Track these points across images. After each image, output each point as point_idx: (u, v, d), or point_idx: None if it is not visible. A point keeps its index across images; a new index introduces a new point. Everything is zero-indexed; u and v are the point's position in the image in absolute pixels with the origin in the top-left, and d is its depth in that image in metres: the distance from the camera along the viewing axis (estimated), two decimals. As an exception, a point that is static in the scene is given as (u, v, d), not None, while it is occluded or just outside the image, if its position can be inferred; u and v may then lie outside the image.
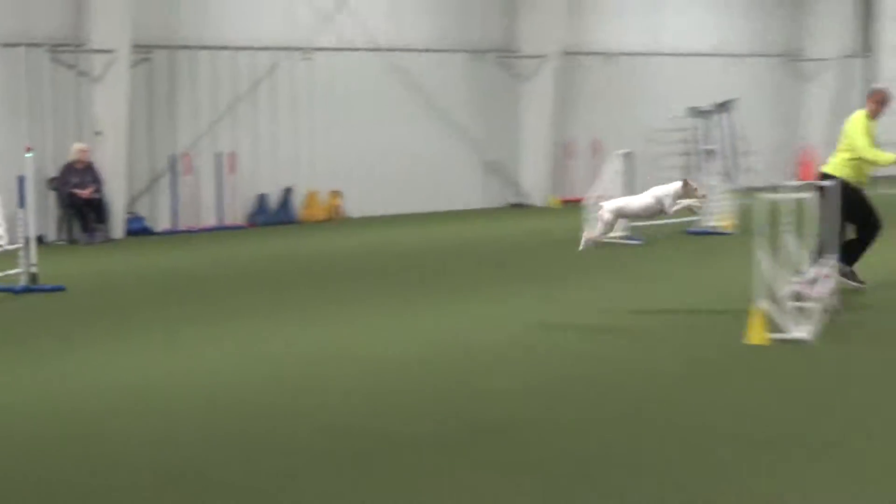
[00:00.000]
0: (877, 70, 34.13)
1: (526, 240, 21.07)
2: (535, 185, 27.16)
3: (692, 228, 20.73)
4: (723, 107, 29.34)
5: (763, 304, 11.43)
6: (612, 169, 20.05)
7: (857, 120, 14.34)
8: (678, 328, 12.52)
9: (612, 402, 9.45)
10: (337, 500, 7.16)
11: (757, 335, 11.31)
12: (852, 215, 14.30)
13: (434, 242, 20.71)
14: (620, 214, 14.81)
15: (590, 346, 11.78)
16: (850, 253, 14.43)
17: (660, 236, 19.89)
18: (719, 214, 20.80)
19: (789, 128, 32.40)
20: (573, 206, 23.49)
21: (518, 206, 26.93)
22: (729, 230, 20.58)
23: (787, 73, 32.45)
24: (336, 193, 24.58)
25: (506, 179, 27.19)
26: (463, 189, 26.58)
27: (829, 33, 32.34)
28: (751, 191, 16.48)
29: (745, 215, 19.33)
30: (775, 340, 11.30)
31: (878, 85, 15.60)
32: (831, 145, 33.36)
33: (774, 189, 13.06)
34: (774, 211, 11.81)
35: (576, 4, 27.89)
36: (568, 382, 10.13)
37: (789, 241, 11.99)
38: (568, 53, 27.56)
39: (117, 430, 8.73)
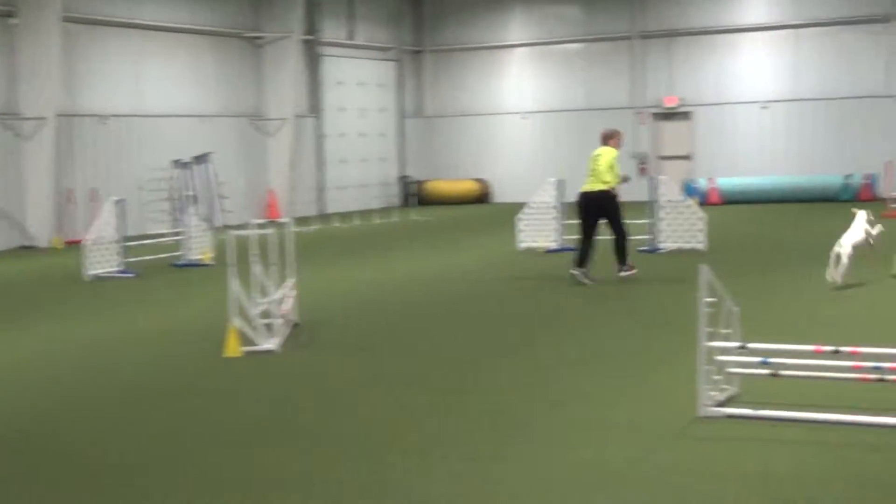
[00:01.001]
0: (323, 126, 35.17)
1: (31, 278, 19.99)
2: (40, 228, 25.92)
3: (178, 261, 20.39)
4: (200, 159, 29.28)
5: (236, 322, 11.43)
6: (108, 213, 19.41)
7: (611, 154, 15.90)
8: (168, 347, 12.23)
9: (123, 421, 9.12)
10: None
11: (232, 349, 11.28)
12: (613, 221, 15.92)
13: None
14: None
15: (103, 364, 11.29)
16: (620, 254, 16.00)
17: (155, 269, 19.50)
18: (200, 249, 20.52)
19: (256, 175, 32.70)
20: (75, 245, 22.58)
21: (26, 248, 25.57)
22: (208, 262, 20.31)
23: (252, 130, 32.75)
24: None
25: (14, 224, 25.77)
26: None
27: (285, 97, 32.91)
28: (226, 228, 16.47)
29: (221, 249, 19.26)
30: (248, 352, 11.31)
31: (615, 127, 17.22)
32: (295, 189, 34.03)
33: (245, 226, 13.10)
34: (244, 244, 11.85)
35: (69, 73, 26.89)
36: (83, 398, 9.69)
37: (256, 268, 12.03)
38: (64, 115, 26.54)
39: None
